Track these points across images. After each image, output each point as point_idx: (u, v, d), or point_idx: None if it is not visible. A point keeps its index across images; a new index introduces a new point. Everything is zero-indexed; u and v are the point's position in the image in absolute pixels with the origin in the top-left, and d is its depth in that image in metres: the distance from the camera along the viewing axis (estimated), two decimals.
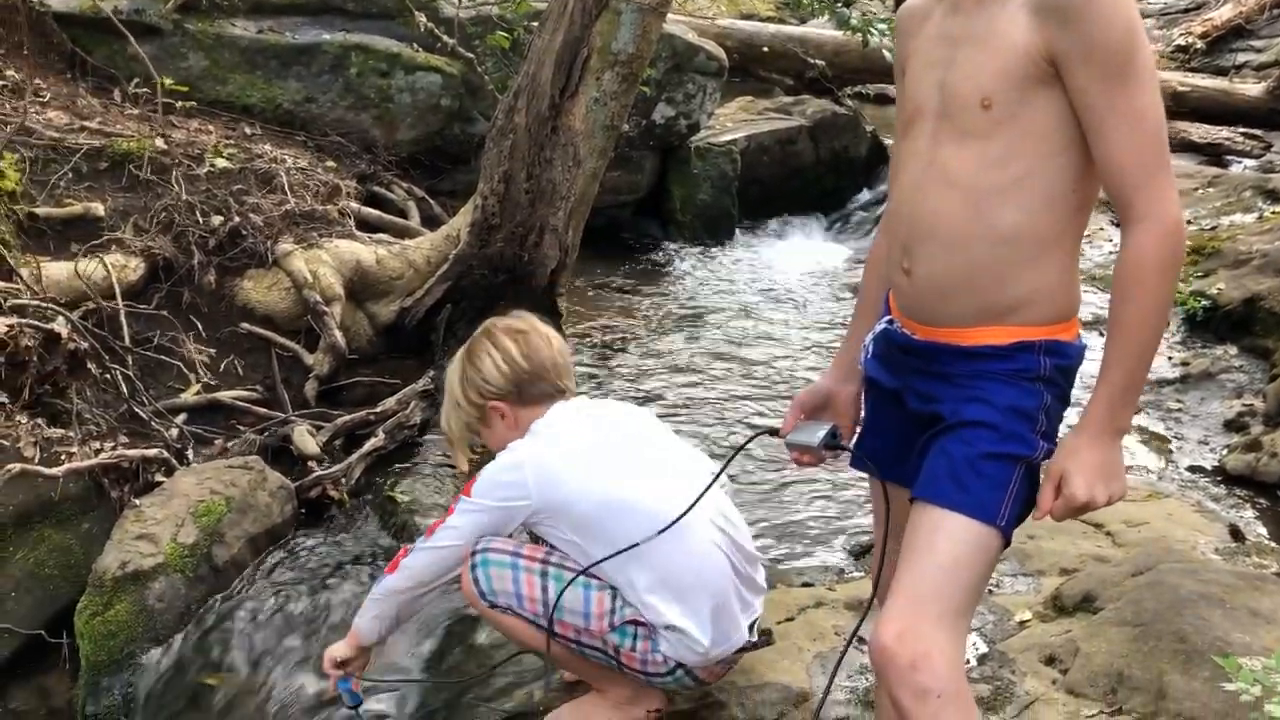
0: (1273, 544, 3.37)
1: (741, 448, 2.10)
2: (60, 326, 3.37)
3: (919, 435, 1.69)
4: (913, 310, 1.70)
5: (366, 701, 2.57)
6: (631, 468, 2.31)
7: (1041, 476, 1.64)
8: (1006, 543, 1.61)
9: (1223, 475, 3.93)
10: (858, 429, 1.94)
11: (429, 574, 2.34)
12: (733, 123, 7.51)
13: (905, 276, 1.68)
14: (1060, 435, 1.66)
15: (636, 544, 2.18)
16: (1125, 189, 1.52)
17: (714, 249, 6.85)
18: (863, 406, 1.92)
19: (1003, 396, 1.60)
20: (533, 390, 2.42)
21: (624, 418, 2.50)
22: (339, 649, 2.47)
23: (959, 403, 1.62)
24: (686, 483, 2.26)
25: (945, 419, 1.62)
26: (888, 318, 1.79)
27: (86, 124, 4.50)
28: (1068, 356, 1.64)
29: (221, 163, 4.56)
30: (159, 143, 4.48)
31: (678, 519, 2.15)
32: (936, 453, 1.62)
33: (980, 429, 1.59)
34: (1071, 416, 1.68)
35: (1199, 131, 7.99)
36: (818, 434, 1.82)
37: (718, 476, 2.15)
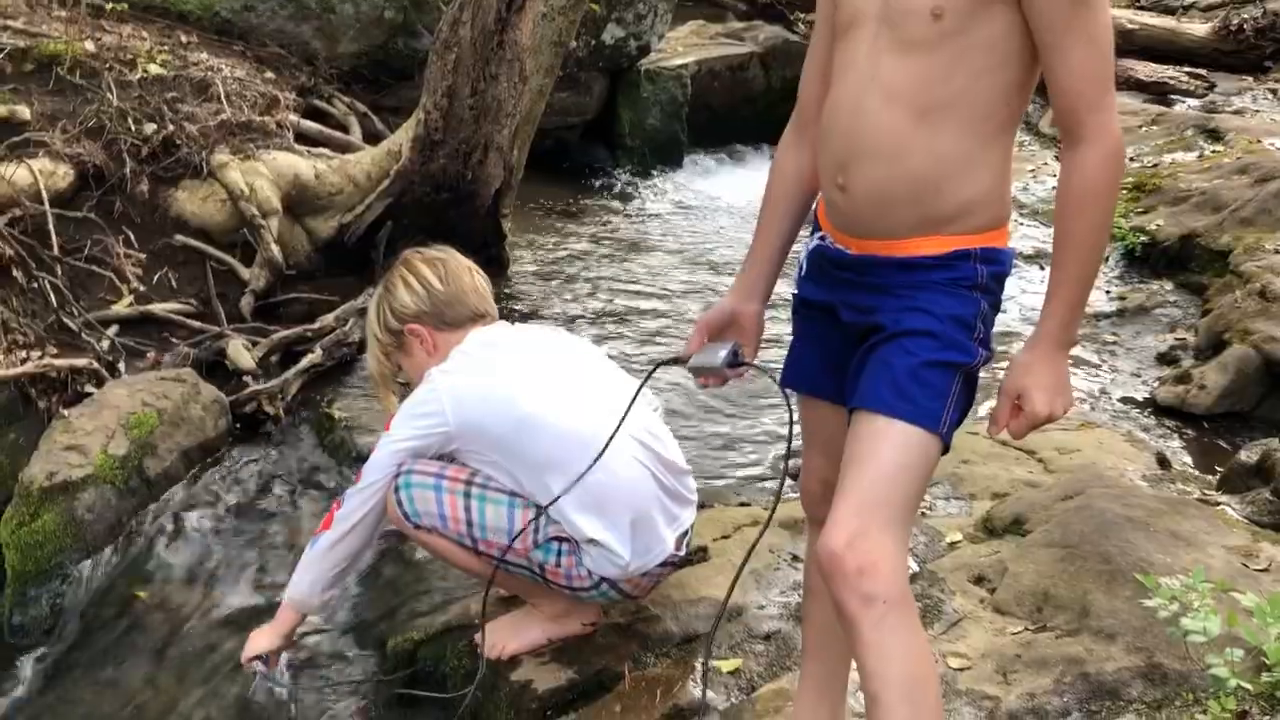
0: (1197, 472, 3.46)
1: (644, 381, 2.07)
2: None
3: (852, 349, 1.69)
4: (848, 225, 1.69)
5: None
6: (550, 388, 2.32)
7: (979, 382, 1.66)
8: (946, 449, 1.63)
9: (1153, 406, 4.01)
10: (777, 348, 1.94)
11: (360, 514, 2.33)
12: (684, 47, 7.41)
13: (841, 192, 1.66)
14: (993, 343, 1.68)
15: (578, 479, 2.20)
16: (1079, 109, 1.53)
17: (662, 175, 6.79)
18: (764, 325, 1.89)
19: (942, 306, 1.60)
20: (451, 314, 2.43)
21: (546, 340, 2.51)
22: (263, 641, 2.40)
23: (898, 313, 1.62)
24: (606, 401, 2.28)
25: (885, 329, 1.62)
26: (820, 234, 1.77)
27: (10, 23, 4.32)
28: (1001, 264, 1.66)
29: (155, 69, 4.40)
30: (88, 45, 4.31)
31: (599, 455, 2.16)
32: (877, 363, 1.62)
33: (921, 338, 1.59)
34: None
35: (1145, 70, 8.04)
36: (719, 354, 1.81)
37: (625, 415, 2.13)
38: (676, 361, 1.91)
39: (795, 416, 1.84)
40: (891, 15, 1.58)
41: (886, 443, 1.57)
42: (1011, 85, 1.57)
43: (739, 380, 1.90)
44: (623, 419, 2.13)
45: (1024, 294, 4.73)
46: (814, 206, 1.82)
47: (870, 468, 1.57)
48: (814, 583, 1.93)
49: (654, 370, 2.03)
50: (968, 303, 1.62)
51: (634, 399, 2.13)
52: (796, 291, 1.83)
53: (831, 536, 1.55)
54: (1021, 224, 5.42)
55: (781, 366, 1.88)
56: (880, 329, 1.63)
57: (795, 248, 1.89)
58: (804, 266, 1.81)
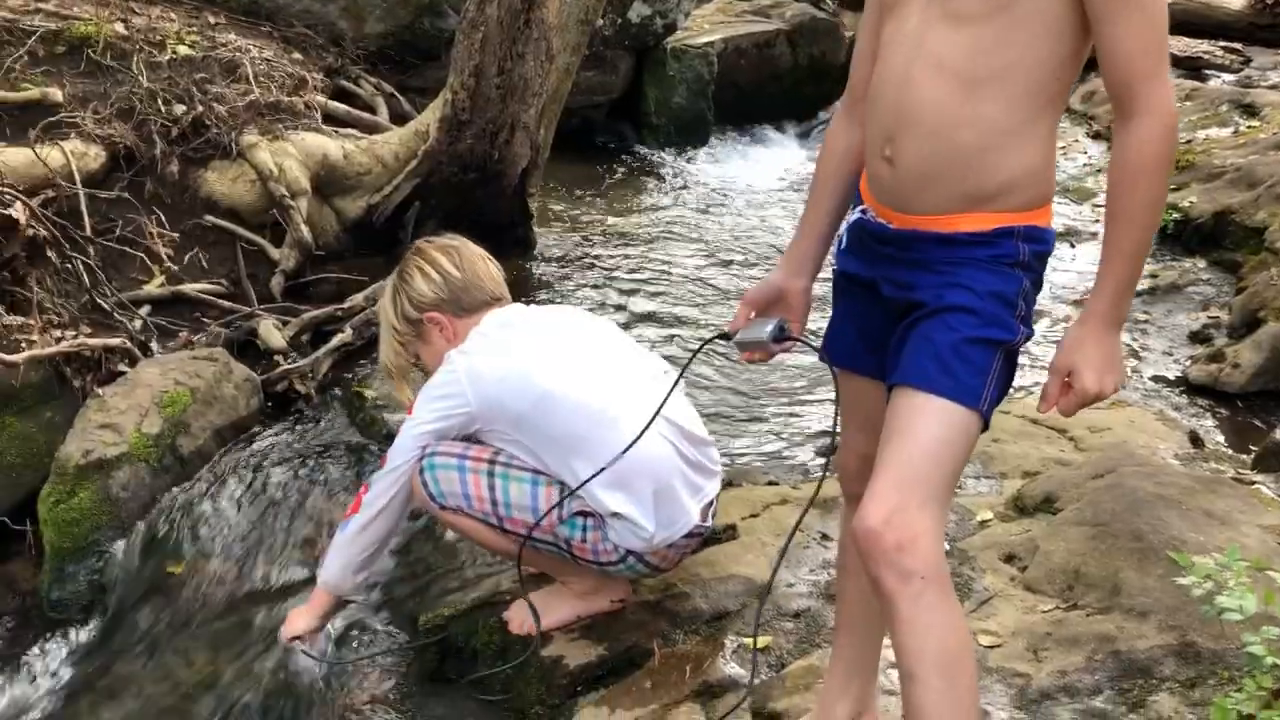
0: (1230, 450, 3.43)
1: (693, 356, 2.08)
2: (18, 212, 3.30)
3: (892, 324, 1.68)
4: (891, 199, 1.67)
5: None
6: (569, 366, 2.33)
7: (1019, 361, 1.65)
8: (985, 427, 1.62)
9: (1185, 385, 3.97)
10: (830, 323, 1.93)
11: (388, 497, 2.36)
12: (710, 24, 7.38)
13: (887, 165, 1.65)
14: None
15: (605, 467, 2.21)
16: (1133, 80, 1.51)
17: (688, 153, 6.77)
18: (811, 301, 1.89)
19: (983, 283, 1.59)
20: (468, 299, 2.45)
21: (563, 318, 2.53)
22: (301, 623, 2.44)
23: (940, 289, 1.61)
24: (625, 378, 2.32)
25: (926, 305, 1.61)
26: (861, 207, 1.76)
27: (43, 6, 4.35)
28: (1044, 242, 1.64)
29: (184, 50, 4.43)
30: (119, 27, 4.34)
31: (636, 438, 2.17)
32: (917, 339, 1.61)
33: (963, 314, 1.58)
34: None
35: (1179, 44, 7.92)
36: (765, 329, 1.81)
37: (674, 386, 2.14)
38: (723, 336, 1.91)
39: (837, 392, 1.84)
40: None
41: (927, 419, 1.57)
42: (1062, 58, 1.55)
43: (784, 355, 1.90)
44: (665, 400, 2.14)
45: (1054, 272, 4.69)
46: (856, 184, 1.80)
47: (910, 444, 1.56)
48: (848, 559, 1.93)
49: (703, 347, 2.03)
50: (1009, 280, 1.60)
51: (680, 375, 2.15)
52: (836, 265, 1.83)
53: (869, 513, 1.55)
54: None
55: (822, 340, 1.87)
56: (921, 305, 1.62)
57: None
58: (844, 239, 1.80)
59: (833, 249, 1.86)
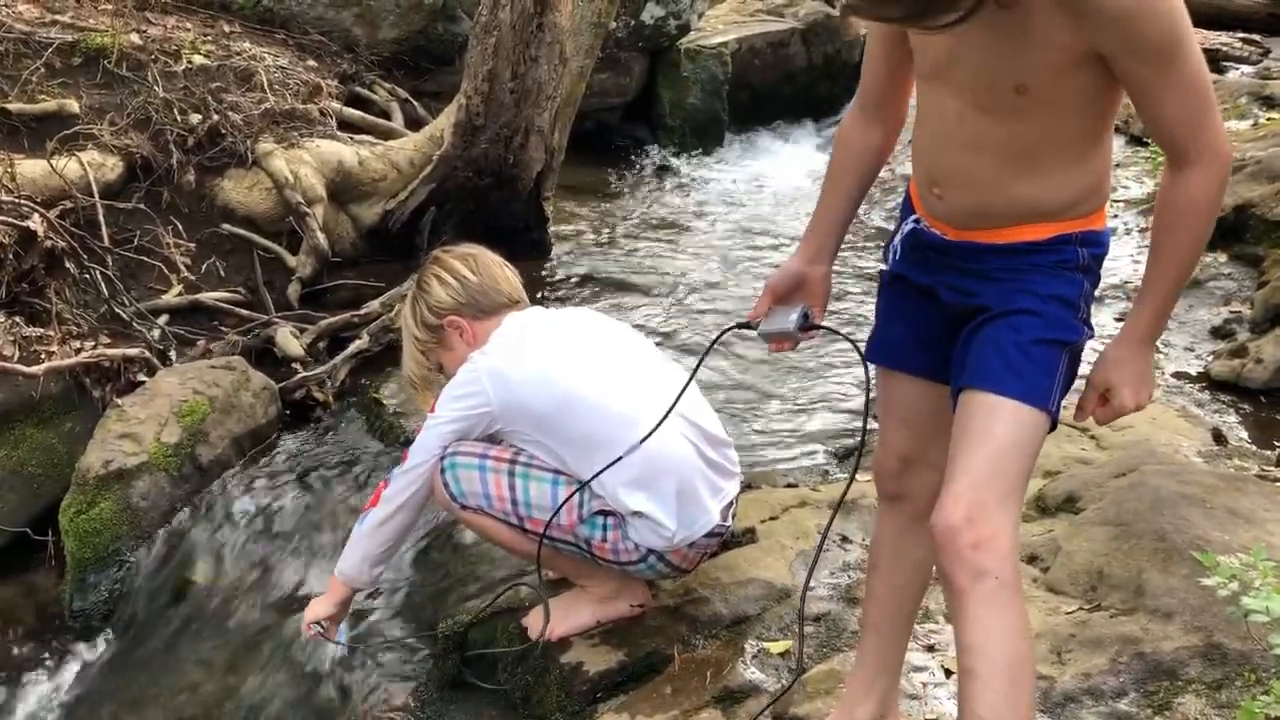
0: (1254, 447, 3.39)
1: (714, 343, 2.05)
2: (36, 224, 3.32)
3: (947, 327, 1.69)
4: (946, 219, 1.69)
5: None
6: (588, 366, 2.34)
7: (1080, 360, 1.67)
8: (1054, 426, 1.63)
9: (1207, 381, 3.93)
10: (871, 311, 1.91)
11: (407, 494, 2.36)
12: (723, 24, 7.36)
13: (938, 200, 1.68)
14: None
15: (620, 457, 2.21)
16: (1178, 141, 1.53)
17: (703, 154, 6.76)
18: (831, 287, 1.89)
19: (1045, 286, 1.61)
20: (486, 302, 2.46)
21: (581, 320, 2.54)
22: (321, 609, 2.46)
23: (1003, 295, 1.62)
24: (644, 378, 2.32)
25: (990, 309, 1.63)
26: (914, 217, 1.76)
27: (58, 18, 4.38)
28: (1101, 245, 1.66)
29: (199, 59, 4.45)
30: (134, 38, 4.37)
31: (655, 428, 2.16)
32: (984, 341, 1.62)
33: (1028, 317, 1.60)
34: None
35: (1198, 37, 7.85)
36: (791, 318, 1.80)
37: (694, 374, 2.13)
38: (746, 325, 1.89)
39: (873, 390, 1.84)
40: (973, 89, 1.56)
41: (1000, 420, 1.57)
42: (1104, 110, 1.57)
43: (805, 348, 1.89)
44: (681, 392, 2.13)
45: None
46: (906, 191, 1.80)
47: (985, 445, 1.57)
48: (878, 558, 1.92)
49: (721, 335, 2.01)
50: (1071, 283, 1.62)
51: (699, 363, 2.13)
52: (889, 269, 1.82)
53: (949, 510, 1.55)
54: None
55: (867, 339, 1.87)
56: (984, 310, 1.63)
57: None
58: (898, 250, 1.80)
59: (887, 259, 1.85)
